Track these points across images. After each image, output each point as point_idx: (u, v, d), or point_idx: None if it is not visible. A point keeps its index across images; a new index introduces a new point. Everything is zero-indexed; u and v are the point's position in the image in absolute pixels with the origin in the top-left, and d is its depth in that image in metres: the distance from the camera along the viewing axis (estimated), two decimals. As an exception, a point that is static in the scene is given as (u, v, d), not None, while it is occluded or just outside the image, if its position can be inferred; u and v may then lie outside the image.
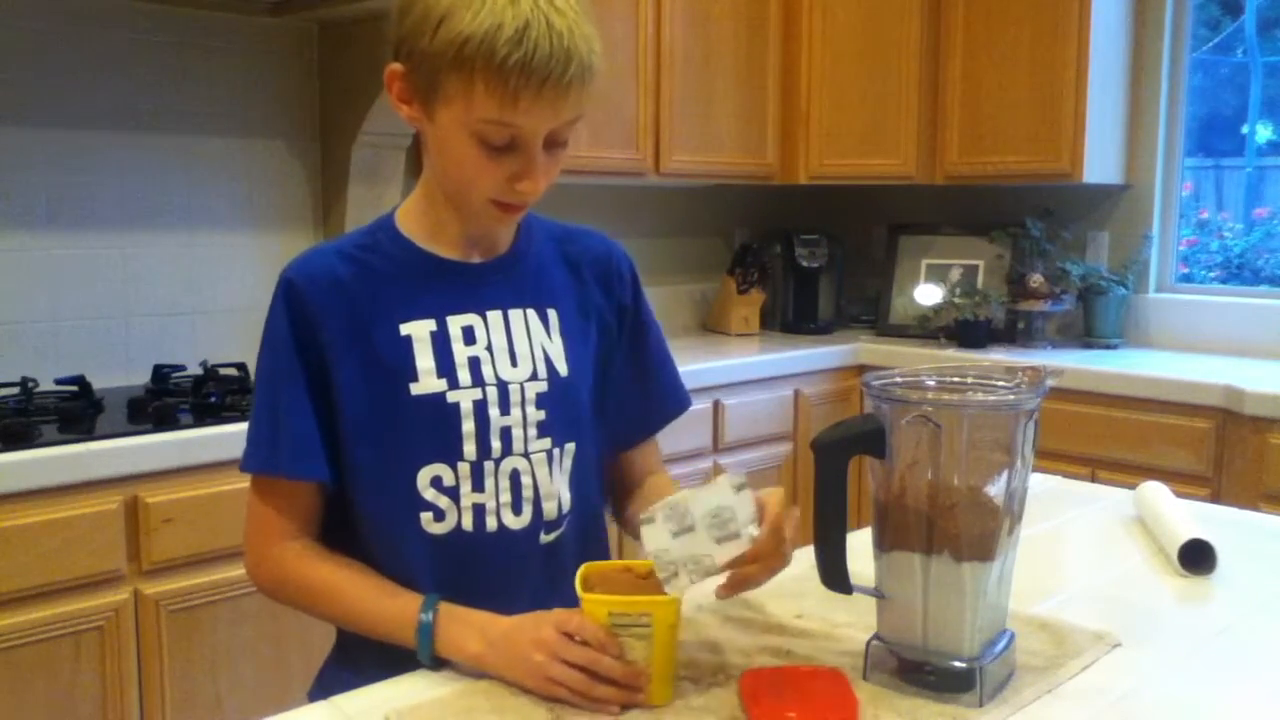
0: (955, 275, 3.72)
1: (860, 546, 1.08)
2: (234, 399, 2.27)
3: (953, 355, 3.40)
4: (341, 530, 1.20)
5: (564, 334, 1.23)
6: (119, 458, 1.98)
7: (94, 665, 1.98)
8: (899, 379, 1.07)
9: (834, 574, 1.07)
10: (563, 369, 1.21)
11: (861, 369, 3.46)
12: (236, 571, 2.12)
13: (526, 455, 1.18)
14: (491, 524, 1.17)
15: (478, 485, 1.16)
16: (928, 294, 3.72)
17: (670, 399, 1.36)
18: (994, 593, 1.04)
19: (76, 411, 2.14)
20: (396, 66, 1.10)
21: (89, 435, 2.01)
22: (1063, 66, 3.27)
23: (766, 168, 3.59)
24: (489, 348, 1.17)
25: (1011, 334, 3.56)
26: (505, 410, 1.17)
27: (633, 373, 1.32)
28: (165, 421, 2.11)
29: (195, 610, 2.09)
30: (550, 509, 1.20)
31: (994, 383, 1.08)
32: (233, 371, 2.47)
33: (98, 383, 2.36)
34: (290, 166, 2.80)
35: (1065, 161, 3.29)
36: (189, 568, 2.07)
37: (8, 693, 1.88)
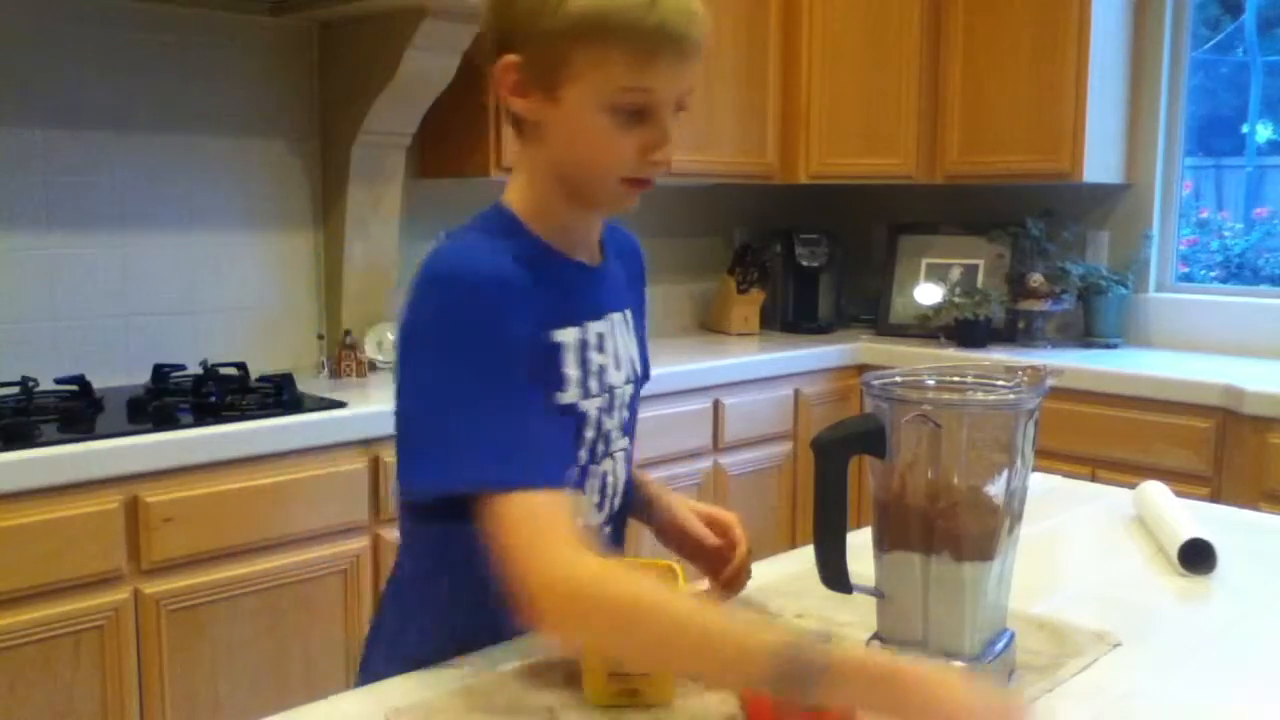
0: (955, 275, 3.72)
1: (860, 546, 1.08)
2: (234, 399, 2.27)
3: (953, 355, 3.40)
4: (428, 525, 1.14)
5: (634, 333, 1.25)
6: (119, 457, 1.98)
7: (94, 665, 1.98)
8: (899, 379, 1.07)
9: (834, 574, 1.07)
10: (639, 369, 1.24)
11: (861, 368, 3.45)
12: (236, 571, 2.13)
13: (613, 455, 1.20)
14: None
15: (578, 487, 1.16)
16: (928, 293, 3.72)
17: (644, 368, 1.35)
18: (994, 592, 1.04)
19: (76, 411, 2.14)
20: (509, 58, 1.06)
21: (89, 435, 2.01)
22: (1063, 66, 3.27)
23: (766, 167, 3.59)
24: (609, 353, 1.17)
25: (1011, 333, 3.56)
26: (610, 414, 1.17)
27: None
28: (165, 421, 2.11)
29: (195, 610, 2.09)
30: (617, 502, 1.23)
31: (994, 382, 1.08)
32: (233, 371, 2.47)
33: (98, 382, 2.36)
34: (290, 166, 2.80)
35: (1065, 161, 3.29)
36: (189, 567, 2.07)
37: (8, 693, 1.88)
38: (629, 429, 1.23)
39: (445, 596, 1.16)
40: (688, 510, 1.31)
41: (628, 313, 1.23)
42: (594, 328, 1.15)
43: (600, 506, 1.20)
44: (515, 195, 1.14)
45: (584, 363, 1.13)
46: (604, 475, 1.19)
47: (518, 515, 0.96)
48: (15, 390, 2.23)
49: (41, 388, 2.28)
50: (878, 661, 0.93)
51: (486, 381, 1.01)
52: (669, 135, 1.09)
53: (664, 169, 1.11)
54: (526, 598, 0.94)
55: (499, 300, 1.03)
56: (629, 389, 1.21)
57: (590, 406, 1.14)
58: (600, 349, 1.15)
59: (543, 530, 0.96)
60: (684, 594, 1.06)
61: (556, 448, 1.06)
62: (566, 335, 1.11)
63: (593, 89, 1.04)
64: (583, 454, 1.15)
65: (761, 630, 0.94)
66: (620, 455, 1.21)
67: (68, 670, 1.95)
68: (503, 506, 0.96)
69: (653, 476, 1.39)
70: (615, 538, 1.25)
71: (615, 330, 1.19)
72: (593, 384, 1.14)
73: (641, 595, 0.93)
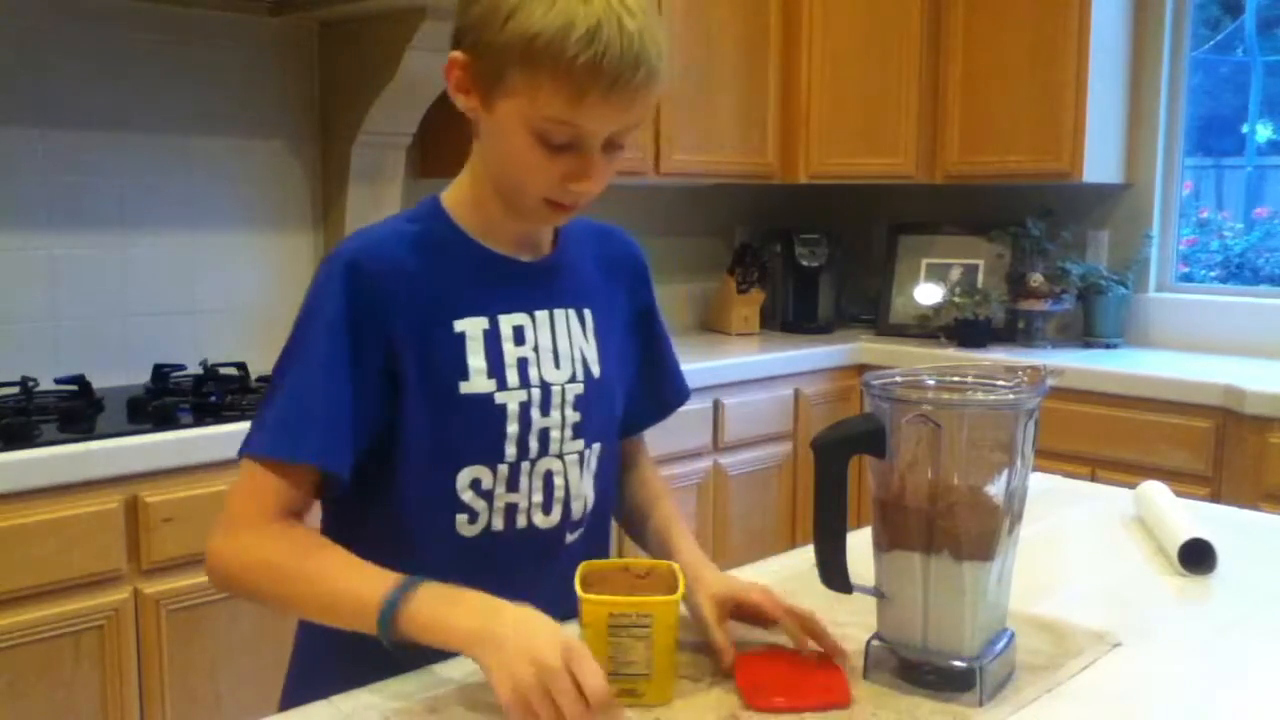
0: (955, 275, 3.72)
1: (860, 546, 1.08)
2: (234, 399, 2.27)
3: (953, 355, 3.40)
4: (353, 530, 1.15)
5: (598, 335, 1.23)
6: (119, 457, 1.98)
7: (94, 665, 1.98)
8: (899, 378, 1.07)
9: (834, 574, 1.07)
10: (597, 371, 1.21)
11: (861, 368, 3.46)
12: (236, 571, 2.13)
13: (561, 456, 1.18)
14: (521, 522, 1.17)
15: (513, 486, 1.15)
16: (928, 293, 3.72)
17: (675, 390, 1.38)
18: (994, 592, 1.04)
19: (76, 411, 2.14)
20: (458, 55, 1.08)
21: (89, 435, 2.01)
22: (1063, 66, 3.27)
23: (766, 167, 3.59)
24: (535, 348, 1.17)
25: (1011, 333, 3.56)
26: (546, 412, 1.16)
27: (644, 366, 1.33)
28: (165, 421, 2.11)
29: (195, 610, 2.09)
30: (577, 508, 1.21)
31: (994, 382, 1.08)
32: (233, 371, 2.47)
33: (98, 382, 2.36)
34: (290, 166, 2.80)
35: (1065, 161, 3.29)
36: (189, 567, 2.07)
37: (8, 693, 1.88)
38: (587, 433, 1.20)
39: None
40: (708, 599, 1.14)
41: (586, 312, 1.22)
42: (509, 319, 1.15)
43: (547, 509, 1.18)
44: (455, 185, 1.19)
45: (495, 353, 1.14)
46: (548, 475, 1.17)
47: (243, 483, 1.08)
48: (15, 390, 2.23)
49: (41, 388, 2.28)
50: (443, 626, 0.98)
51: (296, 358, 1.09)
52: (592, 169, 1.08)
53: (585, 200, 1.11)
54: (209, 558, 1.08)
55: (342, 282, 1.08)
56: (576, 388, 1.19)
57: (510, 399, 1.14)
58: (519, 341, 1.15)
59: (245, 496, 1.08)
60: (324, 547, 1.06)
61: (337, 430, 1.07)
62: (469, 325, 1.13)
63: (521, 111, 1.04)
64: (510, 450, 1.14)
65: (369, 587, 1.00)
66: (574, 459, 1.19)
67: (68, 670, 1.95)
68: (243, 473, 1.08)
69: (680, 527, 1.28)
70: (587, 551, 1.21)
71: (554, 326, 1.18)
72: (510, 376, 1.14)
73: (279, 552, 1.06)
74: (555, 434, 1.17)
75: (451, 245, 1.15)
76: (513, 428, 1.14)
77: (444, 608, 0.98)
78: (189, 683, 2.09)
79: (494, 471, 1.14)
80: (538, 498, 1.17)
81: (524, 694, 0.90)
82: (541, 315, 1.18)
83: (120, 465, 1.98)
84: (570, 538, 1.21)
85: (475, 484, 1.14)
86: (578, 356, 1.20)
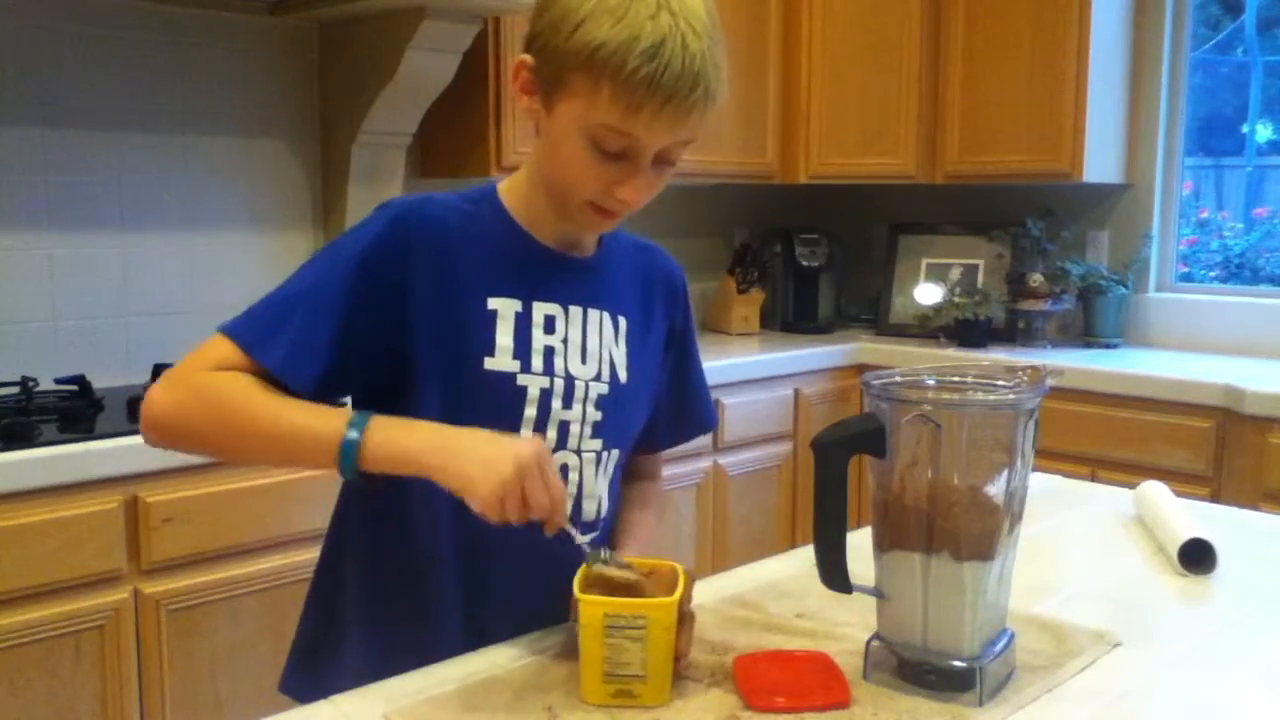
0: (955, 275, 3.72)
1: (860, 546, 1.08)
2: (234, 399, 2.27)
3: (953, 355, 3.40)
4: (366, 507, 1.18)
5: (628, 343, 1.25)
6: (119, 457, 1.98)
7: (94, 665, 1.98)
8: (899, 378, 1.07)
9: (834, 574, 1.07)
10: (624, 376, 1.23)
11: (861, 368, 3.46)
12: (236, 571, 2.13)
13: (578, 453, 1.20)
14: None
15: None
16: (928, 293, 3.72)
17: (701, 418, 1.42)
18: (994, 592, 1.04)
19: (76, 411, 2.14)
20: (526, 58, 1.12)
21: (89, 435, 2.00)
22: (1063, 66, 3.27)
23: (766, 167, 3.59)
24: (564, 340, 1.19)
25: (1011, 333, 3.56)
26: (568, 404, 1.18)
27: (672, 389, 1.35)
28: (165, 421, 2.10)
29: (195, 610, 2.09)
30: (590, 509, 1.22)
31: (994, 382, 1.08)
32: (233, 371, 2.47)
33: (98, 382, 2.36)
34: (290, 166, 2.80)
35: (1065, 161, 3.29)
36: (189, 567, 2.07)
37: (8, 693, 1.88)
38: (607, 435, 1.22)
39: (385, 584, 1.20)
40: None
41: (620, 318, 1.24)
42: (542, 307, 1.18)
43: None
44: (512, 178, 1.23)
45: (523, 336, 1.16)
46: (563, 470, 1.18)
47: (206, 347, 1.09)
48: (15, 390, 2.23)
49: (41, 388, 2.28)
50: (406, 447, 1.04)
51: (306, 276, 1.14)
52: (638, 179, 1.10)
53: (628, 209, 1.13)
54: (147, 399, 1.07)
55: (385, 227, 1.13)
56: (601, 388, 1.20)
57: (531, 383, 1.16)
58: (548, 330, 1.17)
59: (187, 360, 1.08)
60: (265, 390, 1.06)
61: (310, 350, 1.09)
62: (502, 304, 1.16)
63: (579, 116, 1.08)
64: (525, 434, 1.16)
65: (326, 423, 1.04)
66: (590, 458, 1.21)
67: (68, 670, 1.95)
68: (212, 342, 1.09)
69: (643, 524, 1.33)
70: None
71: (585, 323, 1.20)
72: (535, 361, 1.16)
73: (228, 388, 1.06)
74: (575, 429, 1.19)
75: (497, 227, 1.19)
76: (530, 411, 1.16)
77: (401, 434, 1.04)
78: (189, 683, 2.09)
79: None
80: None
81: (503, 489, 0.98)
82: (575, 310, 1.20)
83: (120, 465, 1.98)
84: (580, 539, 1.20)
85: None
86: (606, 358, 1.22)
